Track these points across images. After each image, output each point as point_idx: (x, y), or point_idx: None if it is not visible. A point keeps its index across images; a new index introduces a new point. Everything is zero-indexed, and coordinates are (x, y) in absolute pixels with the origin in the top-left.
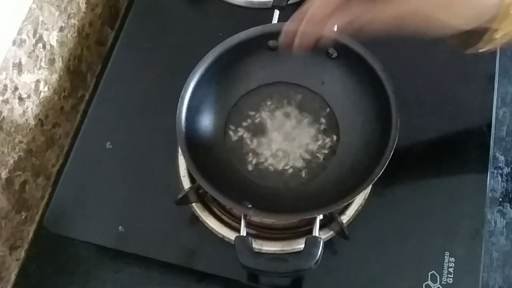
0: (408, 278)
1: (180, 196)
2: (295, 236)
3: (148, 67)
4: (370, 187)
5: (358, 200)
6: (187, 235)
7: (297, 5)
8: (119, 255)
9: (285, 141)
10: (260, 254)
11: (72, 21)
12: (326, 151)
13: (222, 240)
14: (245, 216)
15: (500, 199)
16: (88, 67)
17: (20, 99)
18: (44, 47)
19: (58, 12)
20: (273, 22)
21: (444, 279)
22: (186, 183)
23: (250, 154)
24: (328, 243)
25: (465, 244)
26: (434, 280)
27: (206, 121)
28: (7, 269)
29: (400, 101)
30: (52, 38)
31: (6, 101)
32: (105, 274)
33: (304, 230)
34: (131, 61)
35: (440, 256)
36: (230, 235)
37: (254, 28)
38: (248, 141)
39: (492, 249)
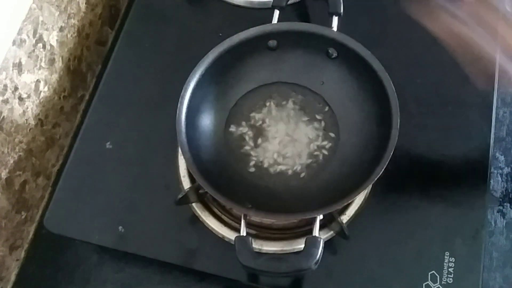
0: (408, 278)
1: (180, 196)
2: (295, 236)
3: (148, 67)
4: (370, 187)
5: (358, 200)
6: (187, 235)
7: (297, 5)
8: (119, 255)
9: (285, 141)
10: (260, 254)
11: (72, 21)
12: (326, 151)
13: (222, 240)
14: (245, 216)
15: (500, 199)
16: (88, 67)
17: (20, 99)
18: (44, 47)
19: (58, 12)
20: (273, 22)
21: (444, 279)
22: (186, 183)
23: (250, 154)
24: (328, 243)
25: (465, 244)
26: (434, 280)
27: (206, 121)
28: (7, 269)
29: (400, 101)
30: (52, 38)
31: (6, 101)
32: (105, 274)
33: (304, 230)
34: (131, 61)
35: (440, 256)
36: (230, 235)
37: (254, 28)
38: (248, 141)
39: (492, 249)
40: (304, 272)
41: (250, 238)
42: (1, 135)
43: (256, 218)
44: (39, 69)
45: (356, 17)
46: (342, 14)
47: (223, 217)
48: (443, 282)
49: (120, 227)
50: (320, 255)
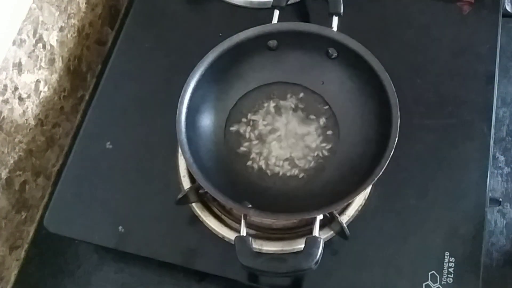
0: (408, 278)
1: (180, 196)
2: (295, 236)
3: (148, 67)
4: (370, 187)
5: (358, 200)
6: (187, 235)
7: (297, 5)
8: (119, 255)
9: (285, 141)
10: (260, 254)
11: (72, 21)
12: (326, 151)
13: (222, 240)
14: (245, 216)
15: (500, 199)
16: (88, 67)
17: (20, 99)
18: (44, 47)
19: (58, 12)
20: (273, 22)
21: (444, 279)
22: (186, 183)
23: (250, 154)
24: (328, 243)
25: (465, 244)
26: (434, 280)
27: (206, 121)
28: (7, 269)
29: (400, 101)
30: (52, 38)
31: (6, 101)
32: (105, 274)
33: (304, 230)
34: (131, 61)
35: (440, 256)
36: (230, 235)
37: (254, 28)
38: (248, 141)
39: (492, 249)
40: (304, 272)
41: (250, 238)
42: (1, 135)
43: (256, 218)
44: (39, 69)
45: (356, 17)
46: (342, 14)
47: (223, 217)
48: (443, 282)
49: (120, 227)
50: (320, 255)
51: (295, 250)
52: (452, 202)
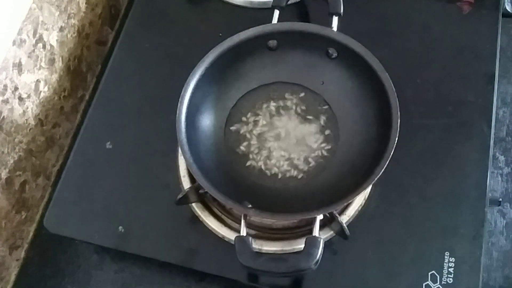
0: (408, 278)
1: (180, 196)
2: (295, 236)
3: (148, 67)
4: (370, 187)
5: (358, 200)
6: (187, 235)
7: (297, 5)
8: (119, 255)
9: (285, 141)
10: (260, 254)
11: (72, 21)
12: (326, 151)
13: (222, 240)
14: (245, 216)
15: (500, 199)
16: (88, 67)
17: (20, 99)
18: (44, 47)
19: (58, 12)
20: (273, 22)
21: (444, 279)
22: (186, 183)
23: (250, 154)
24: (328, 243)
25: (465, 244)
26: (434, 280)
27: (206, 121)
28: (7, 269)
29: (400, 101)
30: (52, 38)
31: (6, 101)
32: (105, 274)
33: (304, 230)
34: (131, 61)
35: (440, 256)
36: (230, 235)
37: (254, 28)
38: (248, 141)
39: (492, 249)
40: (304, 272)
41: (250, 238)
42: (1, 135)
43: (256, 218)
44: (39, 69)
45: (356, 17)
46: (342, 14)
47: (223, 217)
48: (443, 282)
49: (120, 227)
50: (320, 255)
51: (295, 250)
52: (452, 202)
